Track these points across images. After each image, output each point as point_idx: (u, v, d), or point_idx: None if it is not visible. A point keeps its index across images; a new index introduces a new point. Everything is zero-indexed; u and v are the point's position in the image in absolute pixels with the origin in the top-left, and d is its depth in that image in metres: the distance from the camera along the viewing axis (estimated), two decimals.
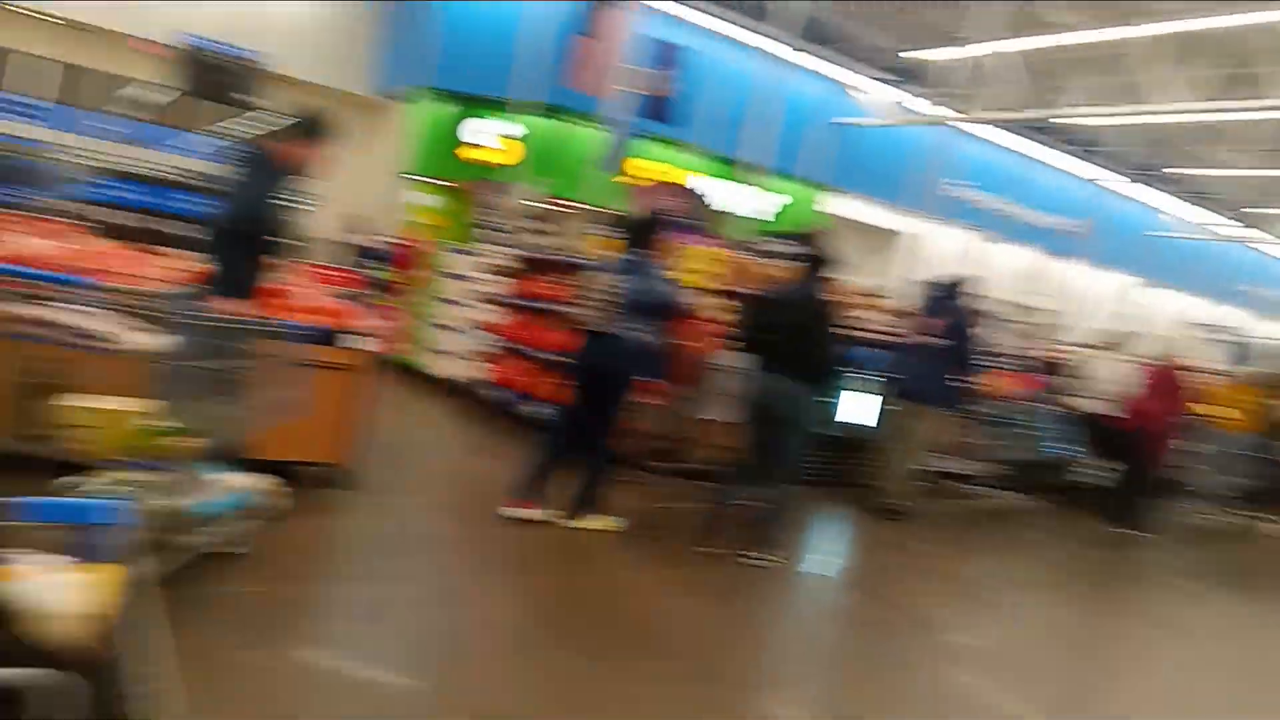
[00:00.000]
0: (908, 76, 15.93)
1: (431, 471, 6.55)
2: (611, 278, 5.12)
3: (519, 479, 5.15)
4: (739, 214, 13.78)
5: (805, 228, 10.64)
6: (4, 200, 5.97)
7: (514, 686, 3.33)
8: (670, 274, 5.52)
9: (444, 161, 12.76)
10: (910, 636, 4.71)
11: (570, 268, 7.20)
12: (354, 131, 8.12)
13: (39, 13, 11.08)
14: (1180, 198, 22.00)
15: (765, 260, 7.36)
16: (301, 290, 5.14)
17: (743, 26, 14.18)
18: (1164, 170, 20.23)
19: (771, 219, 14.30)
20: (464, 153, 12.49)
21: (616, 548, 5.08)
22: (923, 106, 16.13)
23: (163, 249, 5.56)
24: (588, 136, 12.18)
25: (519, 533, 4.99)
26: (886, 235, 17.51)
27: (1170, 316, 22.03)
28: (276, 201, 3.84)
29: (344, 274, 7.19)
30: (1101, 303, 21.09)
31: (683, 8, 13.69)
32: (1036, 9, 13.04)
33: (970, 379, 6.89)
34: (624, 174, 11.98)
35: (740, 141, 13.93)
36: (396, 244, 10.44)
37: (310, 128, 4.06)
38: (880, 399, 7.20)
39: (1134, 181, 20.58)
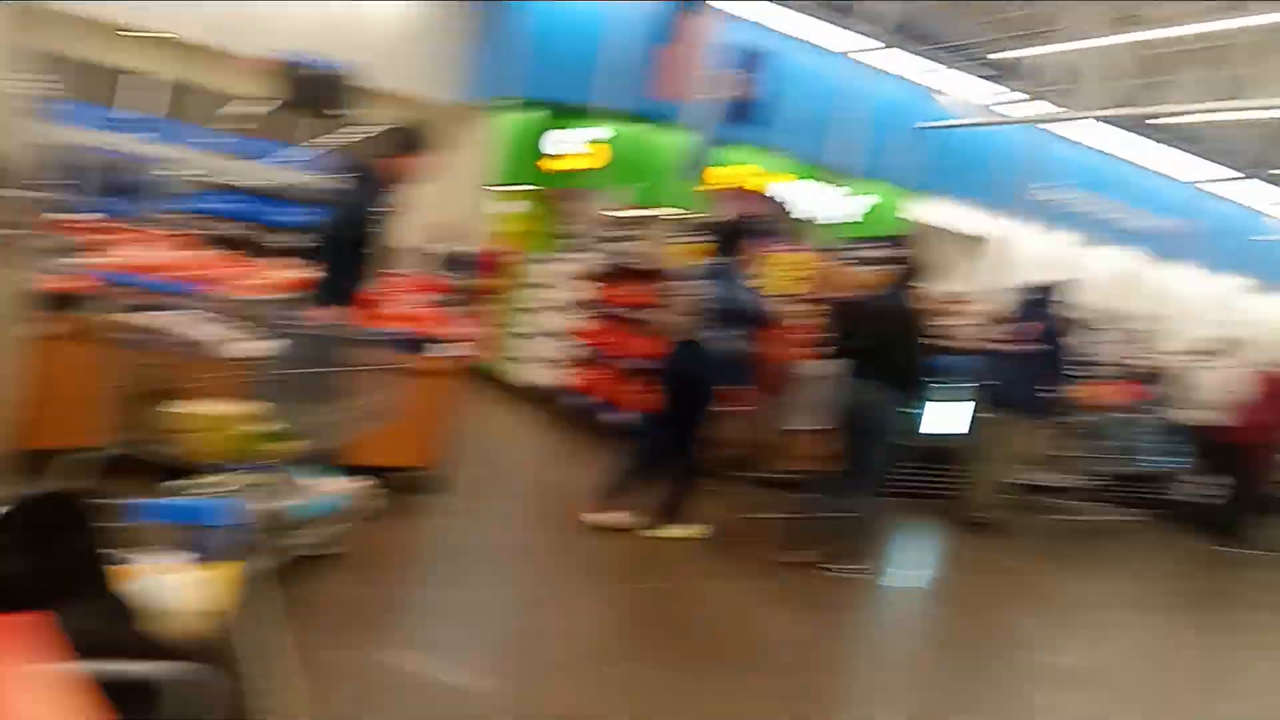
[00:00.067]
0: (1000, 73, 15.52)
1: (517, 477, 6.63)
2: (697, 285, 5.13)
3: (603, 486, 5.18)
4: (825, 219, 13.61)
5: (894, 232, 10.46)
6: (116, 212, 6.24)
7: (594, 694, 3.35)
8: (756, 281, 5.50)
9: (529, 170, 12.93)
10: (1002, 654, 4.58)
11: (655, 275, 7.22)
12: (449, 142, 8.32)
13: (146, 32, 11.62)
14: None
15: (853, 266, 7.25)
16: (393, 298, 5.28)
17: (830, 23, 13.98)
18: (1269, 172, 19.22)
19: (859, 223, 14.09)
20: (547, 164, 12.64)
21: (700, 557, 5.07)
22: (1015, 105, 15.68)
23: (265, 258, 5.76)
24: (672, 143, 12.20)
25: (602, 540, 5.02)
26: (975, 239, 17.07)
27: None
28: (378, 212, 3.97)
29: (432, 282, 7.34)
30: (1206, 308, 20.14)
31: (766, 8, 13.59)
32: (1133, 6, 12.55)
33: (1064, 388, 6.67)
34: (708, 180, 11.95)
35: (826, 145, 13.77)
36: (483, 252, 10.63)
37: (410, 139, 4.18)
38: (972, 406, 7.02)
39: (1244, 179, 19.60)
